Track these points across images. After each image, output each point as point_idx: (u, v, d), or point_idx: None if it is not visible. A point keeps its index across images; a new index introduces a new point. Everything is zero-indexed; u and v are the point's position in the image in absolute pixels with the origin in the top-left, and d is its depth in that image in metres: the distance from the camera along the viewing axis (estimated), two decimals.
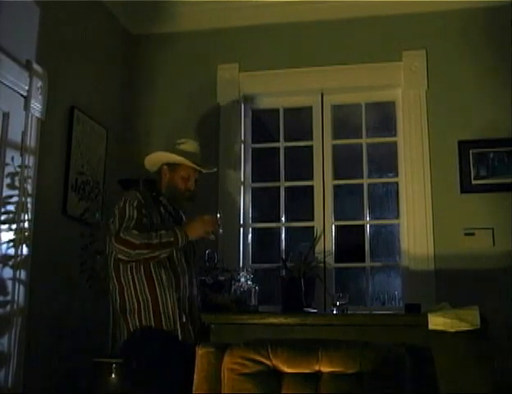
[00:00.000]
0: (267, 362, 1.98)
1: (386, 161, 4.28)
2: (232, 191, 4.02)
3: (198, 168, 3.01)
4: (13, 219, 3.03)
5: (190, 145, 3.06)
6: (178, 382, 2.61)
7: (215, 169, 3.30)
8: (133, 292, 2.78)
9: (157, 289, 2.78)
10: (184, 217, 3.09)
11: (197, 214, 2.91)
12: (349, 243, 4.18)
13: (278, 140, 4.20)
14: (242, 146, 4.12)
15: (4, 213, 2.97)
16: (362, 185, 4.08)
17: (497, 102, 3.75)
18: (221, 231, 2.98)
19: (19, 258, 3.04)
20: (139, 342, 2.76)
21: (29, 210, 3.11)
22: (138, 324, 2.75)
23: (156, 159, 3.08)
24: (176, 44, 4.27)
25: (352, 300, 3.56)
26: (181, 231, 2.78)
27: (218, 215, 2.98)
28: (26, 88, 3.13)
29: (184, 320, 2.79)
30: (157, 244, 2.70)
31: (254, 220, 4.15)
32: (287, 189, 4.15)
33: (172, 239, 2.74)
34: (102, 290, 3.42)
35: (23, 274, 3.06)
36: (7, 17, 3.01)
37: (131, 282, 2.78)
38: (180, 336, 2.75)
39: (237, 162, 4.07)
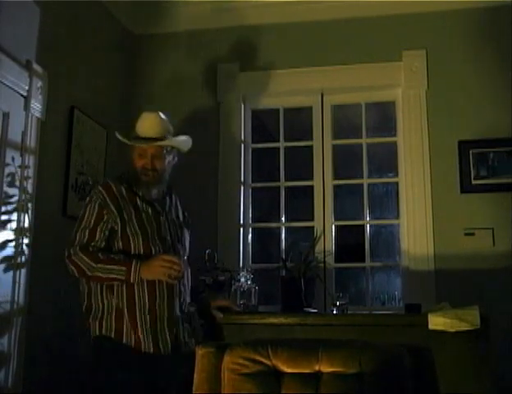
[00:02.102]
0: (267, 362, 1.98)
1: (386, 161, 4.28)
2: (232, 191, 4.02)
3: (144, 144, 2.75)
4: (13, 219, 3.03)
5: (144, 118, 2.85)
6: None
7: (171, 142, 2.84)
8: (99, 295, 2.64)
9: (136, 292, 2.60)
10: (178, 203, 2.93)
11: (196, 208, 2.87)
12: (349, 243, 4.18)
13: (278, 140, 4.20)
14: (242, 146, 4.12)
15: (4, 212, 2.97)
16: (362, 185, 4.08)
17: (497, 102, 3.75)
18: (184, 270, 2.70)
19: (19, 259, 3.04)
20: (94, 354, 2.65)
21: (29, 210, 3.11)
22: (97, 332, 2.62)
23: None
24: (176, 44, 4.27)
25: (352, 300, 3.56)
26: (136, 271, 2.55)
27: (185, 257, 2.77)
28: (26, 88, 3.13)
29: (160, 329, 2.58)
30: (106, 278, 2.55)
31: (254, 220, 4.15)
32: (287, 189, 4.15)
33: (123, 277, 2.55)
34: None
35: (23, 274, 3.06)
36: (7, 17, 3.01)
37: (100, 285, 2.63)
38: (146, 349, 2.55)
39: (237, 162, 4.07)
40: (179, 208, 2.95)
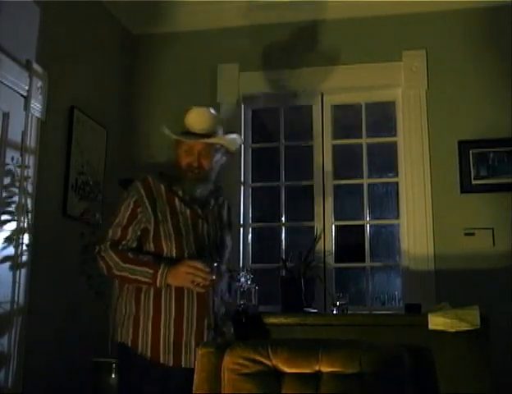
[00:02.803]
0: (267, 362, 1.98)
1: (386, 161, 4.28)
2: (232, 191, 4.02)
3: (192, 141, 2.58)
4: (13, 219, 3.03)
5: (193, 113, 2.66)
6: None
7: (220, 140, 2.65)
8: (126, 301, 2.52)
9: (163, 302, 2.46)
10: (225, 206, 2.77)
11: None
12: (349, 243, 4.18)
13: (278, 140, 4.20)
14: (242, 146, 4.12)
15: (4, 213, 2.97)
16: (362, 185, 4.08)
17: (497, 102, 3.75)
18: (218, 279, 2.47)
19: (19, 259, 3.04)
20: (119, 360, 2.60)
21: (29, 210, 3.11)
22: (118, 338, 2.52)
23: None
24: (176, 44, 4.27)
25: (352, 300, 3.56)
26: (163, 275, 2.40)
27: (215, 264, 2.46)
28: (26, 88, 3.13)
29: (186, 342, 2.43)
30: (133, 279, 2.44)
31: (254, 220, 4.15)
32: (287, 189, 4.15)
33: (149, 280, 2.41)
34: (103, 290, 3.42)
35: (23, 274, 3.06)
36: (7, 17, 3.01)
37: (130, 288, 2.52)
38: (164, 361, 2.41)
39: (237, 161, 4.07)
40: (224, 211, 2.78)
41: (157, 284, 2.40)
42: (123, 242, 2.49)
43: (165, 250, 2.50)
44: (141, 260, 2.44)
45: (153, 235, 2.50)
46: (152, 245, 2.51)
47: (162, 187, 2.58)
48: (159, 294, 2.46)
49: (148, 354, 2.42)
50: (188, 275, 2.37)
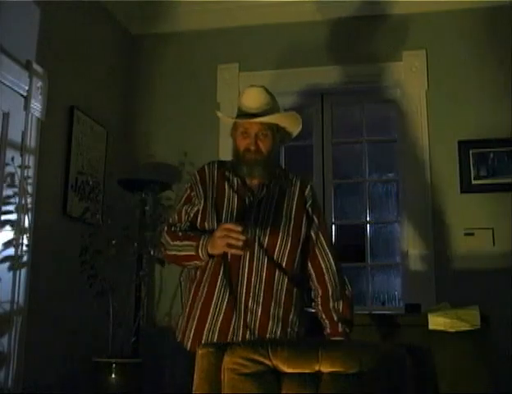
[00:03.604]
0: (267, 362, 1.98)
1: (386, 161, 4.28)
2: None
3: (245, 120, 2.40)
4: (13, 219, 3.03)
5: (246, 92, 2.48)
6: None
7: (277, 119, 2.43)
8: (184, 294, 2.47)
9: (215, 295, 2.31)
10: (296, 193, 2.47)
11: None
12: (349, 243, 4.18)
13: None
14: None
15: (4, 212, 2.97)
16: (362, 184, 4.08)
17: (497, 102, 3.75)
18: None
19: (19, 259, 3.04)
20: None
21: (29, 210, 3.11)
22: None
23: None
24: (176, 44, 4.27)
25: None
26: (203, 245, 2.28)
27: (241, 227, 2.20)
28: (26, 88, 3.13)
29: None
30: (180, 256, 2.35)
31: None
32: None
33: (193, 252, 2.30)
34: (102, 290, 3.43)
35: (23, 274, 3.06)
36: (7, 17, 3.01)
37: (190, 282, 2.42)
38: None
39: None
40: (294, 198, 2.47)
41: (200, 255, 2.27)
42: (177, 224, 2.44)
43: (207, 228, 2.39)
44: (187, 236, 2.36)
45: (201, 217, 2.41)
46: (199, 227, 2.41)
47: (216, 173, 2.49)
48: (213, 288, 2.31)
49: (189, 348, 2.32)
50: (221, 239, 2.19)
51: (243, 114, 2.44)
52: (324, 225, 2.53)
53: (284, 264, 2.35)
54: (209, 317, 2.30)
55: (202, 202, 2.43)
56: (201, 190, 2.46)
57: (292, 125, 2.51)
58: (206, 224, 2.38)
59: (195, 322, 2.32)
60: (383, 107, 4.20)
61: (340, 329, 2.36)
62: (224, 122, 2.56)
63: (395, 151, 4.04)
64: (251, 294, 2.28)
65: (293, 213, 2.43)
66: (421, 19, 3.95)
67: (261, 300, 2.28)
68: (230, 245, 2.17)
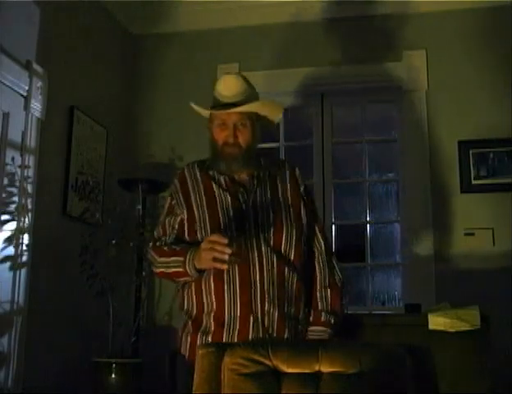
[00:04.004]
0: (267, 362, 1.98)
1: (386, 161, 4.28)
2: None
3: (222, 111, 2.24)
4: (13, 219, 3.03)
5: (222, 80, 2.31)
6: None
7: (258, 107, 2.28)
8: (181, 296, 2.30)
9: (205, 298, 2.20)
10: (287, 179, 2.33)
11: None
12: (350, 243, 4.18)
13: (278, 140, 4.20)
14: None
15: (4, 212, 2.97)
16: (362, 184, 4.08)
17: (497, 102, 3.75)
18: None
19: (19, 259, 3.04)
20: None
21: (29, 210, 3.11)
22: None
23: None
24: (177, 44, 4.27)
25: (352, 300, 3.56)
26: (189, 260, 2.13)
27: (239, 239, 2.08)
28: (26, 88, 3.13)
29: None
30: (170, 273, 2.22)
31: None
32: None
33: (181, 269, 2.16)
34: (102, 290, 3.43)
35: (23, 274, 3.06)
36: (7, 17, 3.01)
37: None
38: None
39: None
40: (287, 185, 2.34)
41: (188, 271, 2.13)
42: (162, 238, 2.28)
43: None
44: (173, 250, 2.20)
45: (188, 227, 2.25)
46: (188, 237, 2.25)
47: (198, 174, 2.31)
48: (199, 289, 2.19)
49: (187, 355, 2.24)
50: (206, 252, 2.02)
51: (219, 104, 2.27)
52: (316, 209, 2.44)
53: (292, 257, 2.22)
54: (225, 328, 2.16)
55: (185, 211, 2.26)
56: (181, 197, 2.29)
57: (273, 113, 2.36)
58: (199, 234, 2.21)
59: (210, 337, 2.18)
60: (383, 107, 4.20)
61: (322, 318, 2.25)
62: (201, 114, 2.37)
63: (395, 151, 4.04)
64: (266, 297, 2.15)
65: (289, 200, 2.31)
66: (421, 19, 3.94)
67: (276, 302, 2.16)
68: (215, 259, 2.00)
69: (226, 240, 1.99)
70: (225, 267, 2.04)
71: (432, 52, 3.92)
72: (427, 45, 3.93)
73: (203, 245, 2.05)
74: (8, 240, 2.99)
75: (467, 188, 3.72)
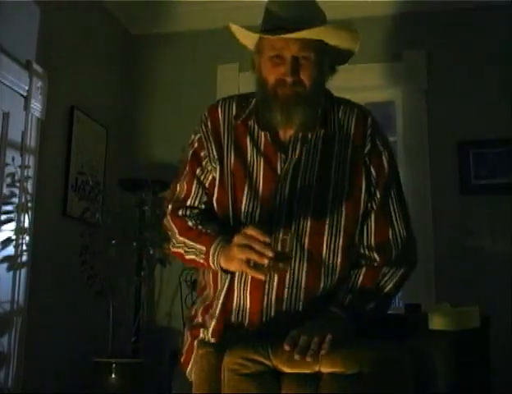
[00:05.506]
0: (267, 362, 1.98)
1: None
2: None
3: (281, 36, 1.62)
4: (13, 219, 3.03)
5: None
6: None
7: (327, 32, 1.77)
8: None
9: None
10: (338, 139, 1.72)
11: None
12: None
13: None
14: None
15: (4, 212, 2.97)
16: None
17: (497, 102, 3.75)
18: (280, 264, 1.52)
19: (19, 259, 3.04)
20: None
21: (29, 210, 3.11)
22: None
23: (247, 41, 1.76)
24: (176, 44, 4.27)
25: None
26: (215, 254, 1.64)
27: (284, 235, 1.52)
28: (26, 88, 3.13)
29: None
30: (188, 260, 1.76)
31: None
32: None
33: (203, 261, 1.70)
34: (102, 290, 3.43)
35: (23, 274, 3.06)
36: (7, 17, 3.01)
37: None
38: None
39: None
40: (348, 148, 1.73)
41: (212, 267, 1.68)
42: (187, 202, 1.75)
43: (230, 213, 1.70)
44: (199, 232, 1.69)
45: (218, 190, 1.73)
46: (217, 206, 1.74)
47: (233, 119, 1.75)
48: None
49: None
50: (240, 250, 1.53)
51: (272, 28, 1.65)
52: (390, 179, 1.79)
53: (336, 266, 1.67)
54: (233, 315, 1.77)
55: (218, 168, 1.71)
56: (213, 147, 1.73)
57: (347, 40, 1.79)
58: (220, 209, 1.69)
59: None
60: (383, 107, 4.20)
61: (339, 296, 1.71)
62: (243, 41, 1.78)
63: (395, 151, 4.04)
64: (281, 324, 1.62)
65: (346, 175, 1.68)
66: (421, 19, 3.94)
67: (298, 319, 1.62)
68: (249, 262, 1.53)
69: (268, 239, 1.50)
70: (261, 276, 1.55)
71: (432, 52, 3.92)
72: (427, 45, 3.93)
73: (236, 239, 1.55)
74: (8, 240, 2.99)
75: (467, 188, 3.72)
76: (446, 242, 3.69)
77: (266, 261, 1.49)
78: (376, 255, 1.72)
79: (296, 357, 1.54)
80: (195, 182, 1.75)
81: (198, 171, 1.75)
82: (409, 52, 3.93)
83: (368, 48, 3.99)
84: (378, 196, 1.74)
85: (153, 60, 4.30)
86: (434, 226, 3.73)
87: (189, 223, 1.73)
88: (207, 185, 1.74)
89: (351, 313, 1.67)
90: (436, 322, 2.67)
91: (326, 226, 1.65)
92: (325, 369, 1.96)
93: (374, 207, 1.74)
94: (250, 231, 1.52)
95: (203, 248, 1.67)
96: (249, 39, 1.77)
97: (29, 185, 3.14)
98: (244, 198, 1.67)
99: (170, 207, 1.79)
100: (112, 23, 4.12)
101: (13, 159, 3.04)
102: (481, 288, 3.50)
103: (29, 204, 3.12)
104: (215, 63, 4.17)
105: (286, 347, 1.53)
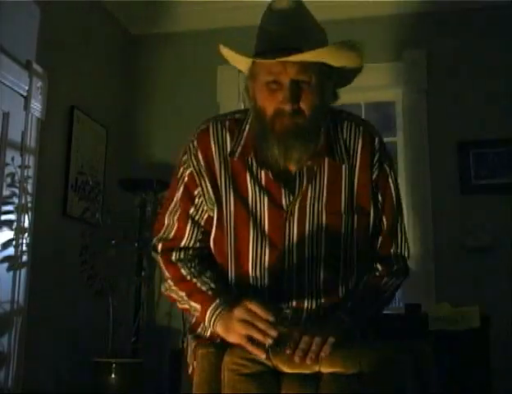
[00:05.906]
0: (267, 362, 1.98)
1: None
2: None
3: (276, 59, 1.46)
4: (13, 219, 3.02)
5: (270, 12, 1.59)
6: None
7: (329, 53, 1.53)
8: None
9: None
10: (345, 163, 1.55)
11: None
12: None
13: None
14: None
15: (4, 212, 2.97)
16: None
17: (497, 102, 3.75)
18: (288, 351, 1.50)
19: (19, 259, 3.04)
20: None
21: (29, 210, 3.11)
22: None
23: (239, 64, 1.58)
24: (176, 44, 4.27)
25: None
26: (211, 321, 1.55)
27: (284, 310, 1.51)
28: (26, 88, 3.13)
29: None
30: (180, 308, 1.67)
31: None
32: None
33: (199, 320, 1.65)
34: (102, 290, 3.43)
35: (23, 274, 3.06)
36: (7, 17, 3.01)
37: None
38: None
39: None
40: (355, 174, 1.59)
41: (206, 325, 1.63)
42: (181, 243, 1.61)
43: (225, 266, 1.59)
44: (194, 286, 1.58)
45: (216, 227, 1.58)
46: (213, 246, 1.62)
47: (228, 145, 1.57)
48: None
49: None
50: (241, 325, 1.47)
51: (267, 49, 1.52)
52: (394, 207, 1.70)
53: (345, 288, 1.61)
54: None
55: (216, 208, 1.56)
56: (209, 186, 1.56)
57: (351, 59, 1.61)
58: (217, 251, 1.58)
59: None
60: (383, 107, 4.20)
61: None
62: (235, 64, 1.63)
63: (395, 151, 4.04)
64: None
65: (354, 204, 1.57)
66: (421, 19, 3.94)
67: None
68: (250, 338, 1.48)
69: (272, 318, 1.44)
70: (262, 356, 1.52)
71: (432, 52, 3.92)
72: (427, 45, 3.92)
73: (238, 313, 1.46)
74: (8, 240, 2.99)
75: (467, 188, 3.72)
76: (446, 242, 3.69)
77: (269, 341, 1.46)
78: (379, 266, 1.73)
79: (296, 359, 1.53)
80: (190, 222, 1.60)
81: (191, 210, 1.59)
82: (409, 52, 3.93)
83: (368, 48, 3.99)
84: (385, 221, 1.70)
85: (153, 60, 4.30)
86: (434, 226, 3.73)
87: (183, 272, 1.60)
88: (202, 223, 1.60)
89: (354, 317, 1.66)
90: (437, 322, 2.67)
91: (341, 265, 1.60)
92: (325, 369, 1.96)
93: (381, 229, 1.71)
94: (254, 308, 1.44)
95: (198, 306, 1.58)
96: (241, 63, 1.64)
97: (29, 185, 3.13)
98: (251, 239, 1.54)
99: (160, 246, 1.64)
100: (112, 23, 4.12)
101: (13, 159, 3.04)
102: (481, 288, 3.50)
103: (29, 204, 3.12)
104: (215, 63, 4.16)
105: (288, 351, 1.51)
